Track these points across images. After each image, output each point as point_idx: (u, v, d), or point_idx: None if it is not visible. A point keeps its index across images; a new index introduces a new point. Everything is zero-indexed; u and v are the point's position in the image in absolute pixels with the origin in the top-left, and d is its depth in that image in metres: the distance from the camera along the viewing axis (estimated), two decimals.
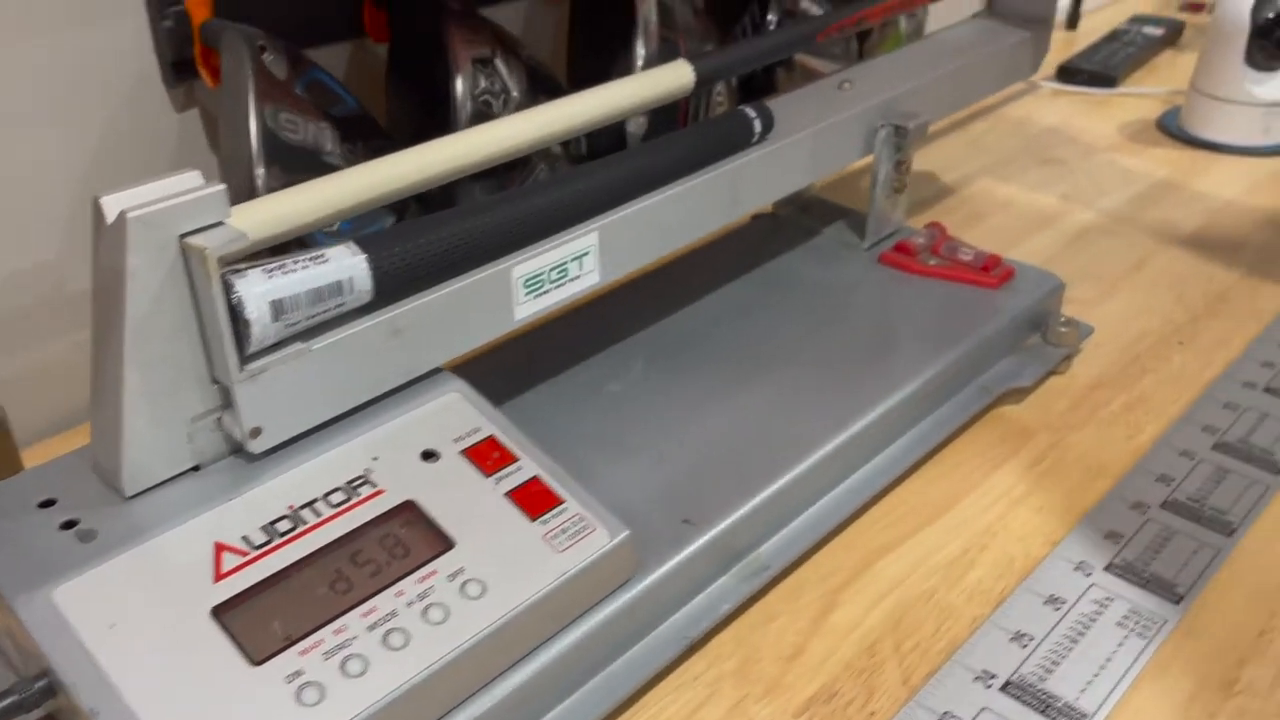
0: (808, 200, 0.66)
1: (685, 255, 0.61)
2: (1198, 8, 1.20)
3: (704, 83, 0.52)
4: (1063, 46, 1.08)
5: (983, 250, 0.60)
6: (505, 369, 0.53)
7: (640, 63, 0.67)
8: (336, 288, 0.37)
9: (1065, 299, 0.65)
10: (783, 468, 0.46)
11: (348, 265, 0.37)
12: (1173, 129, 0.87)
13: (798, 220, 0.65)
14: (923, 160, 0.83)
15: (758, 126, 0.52)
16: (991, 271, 0.58)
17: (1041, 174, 0.81)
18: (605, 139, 0.59)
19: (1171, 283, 0.67)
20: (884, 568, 0.46)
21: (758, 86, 0.69)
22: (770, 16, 0.67)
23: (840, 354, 0.53)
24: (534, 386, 0.51)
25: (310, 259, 0.36)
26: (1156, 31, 1.05)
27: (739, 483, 0.45)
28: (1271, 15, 0.81)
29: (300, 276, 0.36)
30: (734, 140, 0.52)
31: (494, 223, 0.42)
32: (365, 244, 0.38)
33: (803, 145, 0.55)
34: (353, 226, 0.49)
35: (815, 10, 0.70)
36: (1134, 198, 0.77)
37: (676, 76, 0.51)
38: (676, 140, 0.50)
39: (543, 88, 0.65)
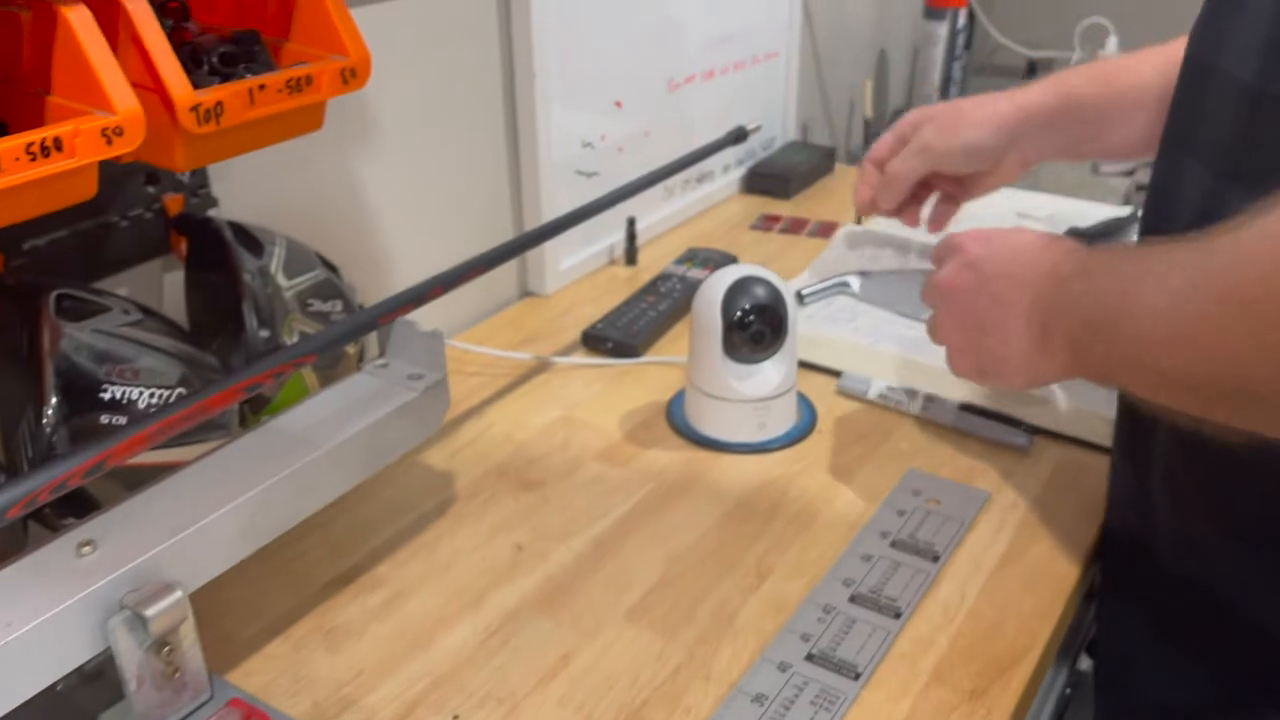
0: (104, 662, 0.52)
1: None
2: (774, 221, 1.16)
3: None
4: (624, 286, 1.00)
5: None
6: None
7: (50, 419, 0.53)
8: None
9: None
10: None
11: None
12: (678, 421, 0.78)
13: (73, 697, 0.50)
14: (362, 498, 0.70)
15: None
16: None
17: (510, 508, 0.70)
18: None
19: (588, 695, 0.55)
20: None
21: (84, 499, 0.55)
22: (48, 412, 0.53)
23: None
24: None
25: None
26: (702, 274, 0.98)
27: None
28: (746, 307, 0.73)
29: None
30: None
31: None
32: None
33: None
34: None
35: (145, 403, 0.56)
36: (600, 539, 0.67)
37: None
38: None
39: None
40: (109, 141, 0.45)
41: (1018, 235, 0.62)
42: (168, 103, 0.48)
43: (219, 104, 0.50)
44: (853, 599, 0.61)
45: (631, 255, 1.05)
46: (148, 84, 0.49)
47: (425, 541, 0.67)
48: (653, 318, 0.90)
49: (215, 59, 0.55)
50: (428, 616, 0.61)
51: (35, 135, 0.43)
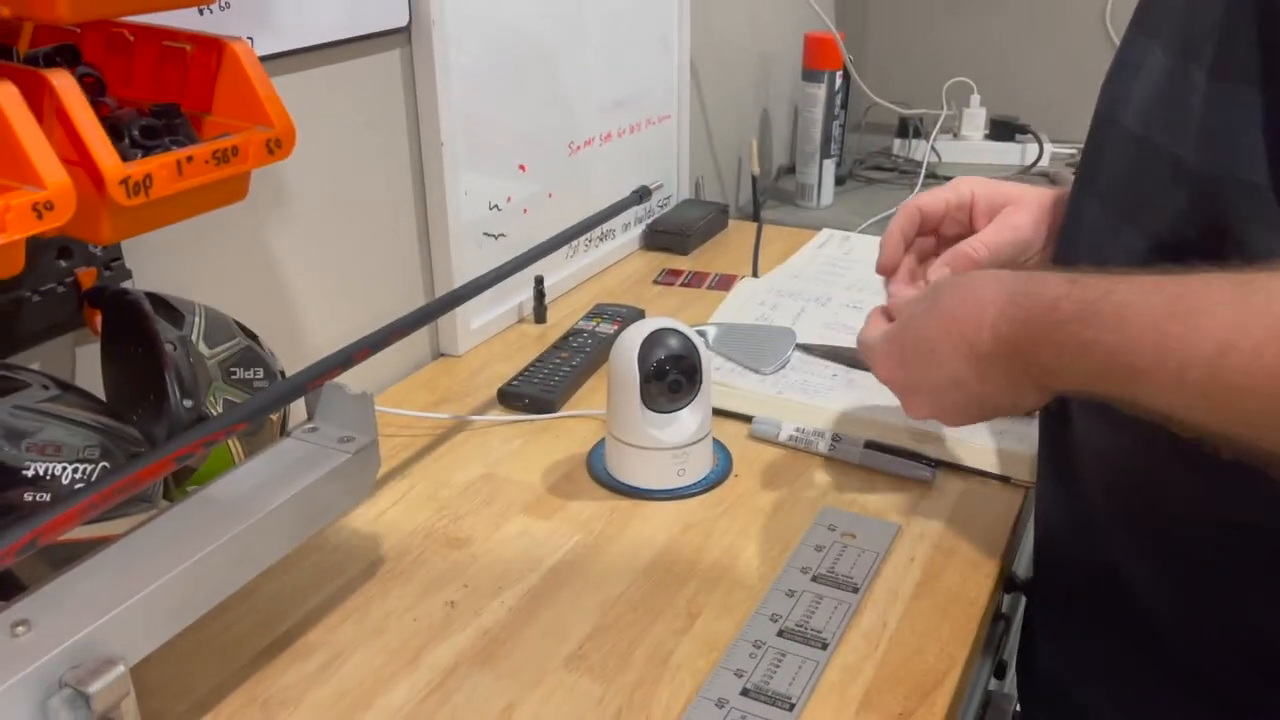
0: None
1: None
2: (676, 275, 1.19)
3: None
4: (534, 344, 1.01)
5: None
6: None
7: None
8: None
9: None
10: None
11: None
12: (599, 472, 0.80)
13: None
14: (288, 565, 0.70)
15: None
16: None
17: (439, 566, 0.70)
18: None
19: None
20: None
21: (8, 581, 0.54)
22: None
23: None
24: None
25: None
26: (612, 329, 1.00)
27: None
28: (662, 357, 0.76)
29: None
30: None
31: None
32: None
33: None
34: None
35: None
36: (533, 591, 0.68)
37: None
38: None
39: None
40: (39, 216, 0.45)
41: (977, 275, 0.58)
42: (95, 176, 0.49)
43: (148, 176, 0.50)
44: (781, 633, 0.63)
45: (541, 313, 1.07)
46: (73, 158, 0.50)
47: (356, 605, 0.67)
48: (567, 373, 0.92)
49: (136, 132, 0.55)
50: (365, 679, 0.61)
51: None
